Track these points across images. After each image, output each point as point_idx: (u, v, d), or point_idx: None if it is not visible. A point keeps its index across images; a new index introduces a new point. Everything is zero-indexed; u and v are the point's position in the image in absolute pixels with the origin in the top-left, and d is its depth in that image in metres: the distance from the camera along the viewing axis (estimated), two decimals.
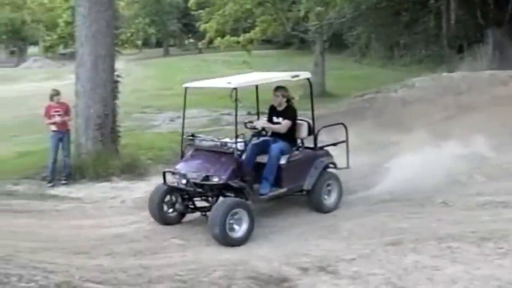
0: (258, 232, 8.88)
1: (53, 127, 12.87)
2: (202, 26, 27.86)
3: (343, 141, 10.40)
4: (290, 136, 9.86)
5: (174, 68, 35.65)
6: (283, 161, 9.43)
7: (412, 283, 6.56)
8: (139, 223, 9.64)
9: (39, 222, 9.75)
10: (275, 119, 9.99)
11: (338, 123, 10.64)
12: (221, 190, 9.01)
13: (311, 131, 10.16)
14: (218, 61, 40.48)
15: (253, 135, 9.72)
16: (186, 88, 9.67)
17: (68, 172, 12.98)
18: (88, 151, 13.50)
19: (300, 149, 10.07)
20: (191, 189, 8.97)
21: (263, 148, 9.67)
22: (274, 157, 9.38)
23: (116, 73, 14.22)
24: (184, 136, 9.78)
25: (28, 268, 6.16)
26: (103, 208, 11.03)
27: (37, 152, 14.88)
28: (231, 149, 8.99)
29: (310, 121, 10.19)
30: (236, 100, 8.69)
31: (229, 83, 8.93)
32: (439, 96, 17.31)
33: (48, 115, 12.97)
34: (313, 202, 9.89)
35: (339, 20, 27.88)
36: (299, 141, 10.16)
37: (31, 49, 63.29)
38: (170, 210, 9.51)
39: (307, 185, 9.71)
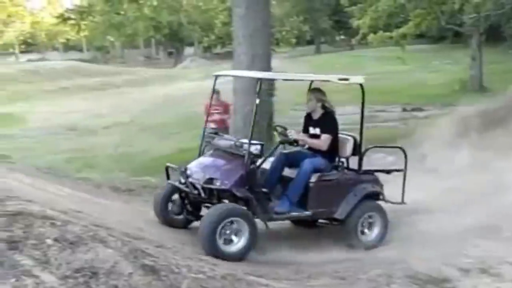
0: (414, 231, 8.75)
1: (212, 125, 13.35)
2: (355, 23, 27.83)
3: (399, 170, 8.88)
4: (331, 152, 8.45)
5: (326, 65, 35.73)
6: (312, 179, 8.09)
7: None
8: None
9: None
10: (311, 130, 8.65)
11: (395, 146, 9.53)
12: (232, 198, 7.77)
13: (356, 149, 8.64)
14: (371, 58, 40.06)
15: (281, 142, 8.40)
16: (216, 76, 9.11)
17: None
18: None
19: (339, 169, 8.57)
20: (188, 190, 7.95)
21: (296, 160, 8.37)
22: (303, 173, 8.07)
23: (271, 71, 14.53)
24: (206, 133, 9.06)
25: (194, 259, 6.42)
26: None
27: (196, 148, 15.44)
28: (244, 152, 7.81)
29: (357, 136, 8.65)
30: (259, 92, 7.87)
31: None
32: None
33: (207, 113, 13.48)
34: (344, 235, 8.38)
35: (497, 12, 26.77)
36: (343, 160, 8.71)
37: (187, 50, 65.77)
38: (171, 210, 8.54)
39: (340, 213, 8.21)
